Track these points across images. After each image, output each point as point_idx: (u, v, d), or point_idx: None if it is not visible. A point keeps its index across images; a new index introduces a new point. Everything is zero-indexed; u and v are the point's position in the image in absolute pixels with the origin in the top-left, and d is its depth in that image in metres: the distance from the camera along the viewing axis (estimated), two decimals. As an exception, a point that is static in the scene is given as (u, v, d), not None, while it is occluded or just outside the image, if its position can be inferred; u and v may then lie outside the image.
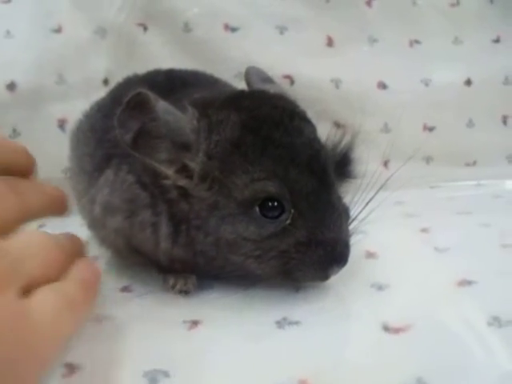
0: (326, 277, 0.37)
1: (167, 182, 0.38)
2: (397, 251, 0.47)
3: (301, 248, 0.36)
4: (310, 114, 0.64)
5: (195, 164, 0.37)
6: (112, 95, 0.51)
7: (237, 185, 0.36)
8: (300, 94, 0.68)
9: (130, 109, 0.36)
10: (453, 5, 0.78)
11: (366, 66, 0.74)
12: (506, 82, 0.78)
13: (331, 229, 0.36)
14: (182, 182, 0.38)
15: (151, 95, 0.36)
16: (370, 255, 0.46)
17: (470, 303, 0.38)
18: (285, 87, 0.67)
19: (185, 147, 0.37)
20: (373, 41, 0.76)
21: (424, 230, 0.51)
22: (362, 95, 0.72)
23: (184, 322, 0.37)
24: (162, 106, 0.36)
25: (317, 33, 0.74)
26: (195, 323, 0.37)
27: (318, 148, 0.38)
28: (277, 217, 0.36)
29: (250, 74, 0.47)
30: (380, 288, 0.40)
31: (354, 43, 0.75)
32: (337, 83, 0.73)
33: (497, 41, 0.79)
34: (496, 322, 0.35)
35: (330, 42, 0.74)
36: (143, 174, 0.40)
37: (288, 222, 0.36)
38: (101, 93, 0.55)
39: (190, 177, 0.37)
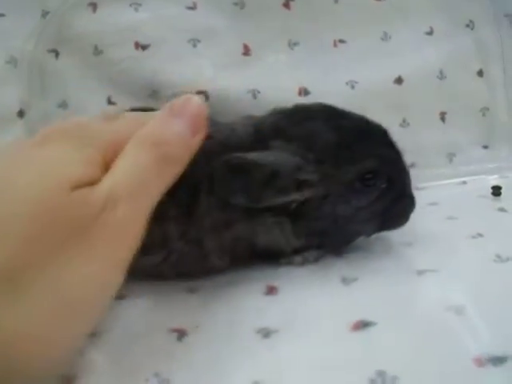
0: (408, 218, 0.48)
1: (292, 205, 0.44)
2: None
3: (393, 203, 0.46)
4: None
5: (312, 174, 0.44)
6: None
7: (344, 172, 0.44)
8: (216, 109, 0.66)
9: (227, 173, 0.41)
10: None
11: (286, 73, 0.70)
12: (442, 76, 0.74)
13: (409, 184, 0.48)
14: (307, 194, 0.44)
15: (240, 155, 0.41)
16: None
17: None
18: None
19: (297, 169, 0.43)
20: (293, 44, 0.72)
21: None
22: (281, 104, 0.68)
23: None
24: (255, 155, 0.42)
25: (232, 42, 0.70)
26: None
27: (384, 127, 0.48)
28: (374, 184, 0.45)
29: None
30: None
31: (273, 49, 0.71)
32: (254, 93, 0.69)
33: (430, 33, 0.74)
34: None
35: (246, 51, 0.71)
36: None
37: (384, 185, 0.46)
38: (16, 126, 0.53)
39: (309, 187, 0.44)
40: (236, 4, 0.71)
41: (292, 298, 0.45)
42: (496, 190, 0.67)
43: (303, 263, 0.49)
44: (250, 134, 0.46)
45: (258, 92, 0.70)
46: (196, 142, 0.36)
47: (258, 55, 0.71)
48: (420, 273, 0.47)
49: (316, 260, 0.49)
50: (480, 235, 0.54)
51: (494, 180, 0.71)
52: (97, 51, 0.69)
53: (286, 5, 0.72)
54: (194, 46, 0.70)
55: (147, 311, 0.44)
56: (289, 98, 0.68)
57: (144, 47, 0.70)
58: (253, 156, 0.42)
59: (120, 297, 0.45)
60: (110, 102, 0.70)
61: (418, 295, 0.42)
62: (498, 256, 0.48)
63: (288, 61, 0.71)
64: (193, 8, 0.71)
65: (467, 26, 0.75)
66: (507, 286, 0.44)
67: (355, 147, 0.45)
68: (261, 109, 0.68)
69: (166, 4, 0.70)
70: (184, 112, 0.36)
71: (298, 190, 0.44)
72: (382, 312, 0.40)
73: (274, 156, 0.43)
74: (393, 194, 0.47)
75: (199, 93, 0.70)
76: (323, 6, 0.72)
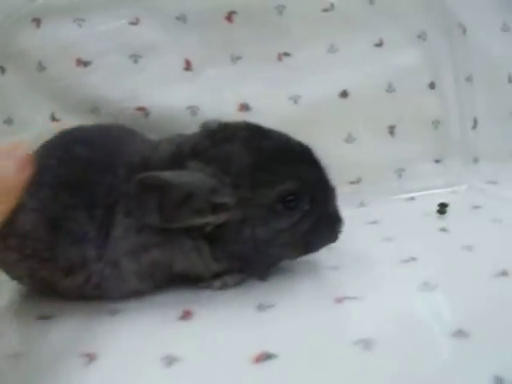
0: (337, 237, 0.47)
1: (206, 228, 0.44)
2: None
3: (318, 224, 0.45)
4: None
5: (228, 198, 0.43)
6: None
7: (263, 194, 0.43)
8: (155, 125, 0.66)
9: (142, 193, 0.41)
10: (326, 9, 0.71)
11: (227, 88, 0.69)
12: (390, 89, 0.72)
13: (333, 201, 0.47)
14: (223, 218, 0.44)
15: (153, 173, 0.41)
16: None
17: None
18: (140, 119, 0.65)
19: (212, 192, 0.42)
20: (236, 58, 0.71)
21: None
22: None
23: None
24: (169, 174, 0.42)
25: (174, 57, 0.70)
26: None
27: (307, 145, 0.47)
28: (295, 206, 0.44)
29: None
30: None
31: (215, 64, 0.70)
32: (193, 110, 0.69)
33: (379, 44, 0.72)
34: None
35: (188, 66, 0.70)
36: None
37: (306, 207, 0.45)
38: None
39: (225, 211, 0.43)
40: (178, 18, 0.70)
41: (204, 324, 0.44)
42: (442, 208, 0.66)
43: (222, 287, 0.48)
44: (171, 153, 0.46)
45: (198, 109, 0.69)
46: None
47: (200, 70, 0.70)
48: (338, 300, 0.46)
49: (236, 284, 0.49)
50: (413, 259, 0.52)
51: (443, 196, 0.68)
52: (40, 67, 0.70)
53: (229, 18, 0.70)
54: (135, 61, 0.70)
55: (65, 333, 0.44)
56: (229, 114, 0.68)
57: (86, 63, 0.70)
58: (166, 175, 0.42)
59: (44, 317, 0.47)
60: (53, 119, 0.71)
61: (329, 326, 0.41)
62: (426, 283, 0.46)
63: (230, 76, 0.70)
64: (135, 23, 0.70)
65: (419, 36, 0.73)
66: (427, 320, 0.42)
67: (274, 169, 0.44)
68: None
69: (109, 19, 0.69)
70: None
71: (213, 212, 0.43)
72: (287, 344, 0.40)
73: (189, 177, 0.43)
74: (316, 215, 0.46)
75: (139, 109, 0.69)
76: (267, 19, 0.70)
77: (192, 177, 0.43)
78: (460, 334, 0.37)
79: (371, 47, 0.71)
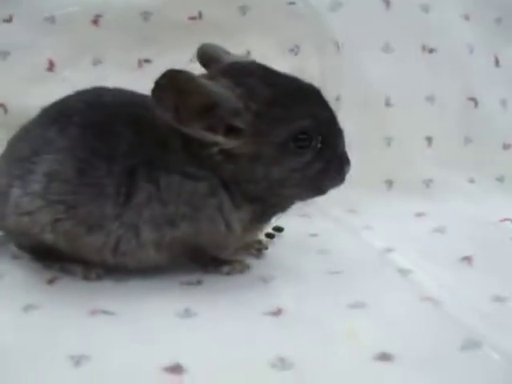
0: (344, 178, 0.46)
1: (212, 150, 0.43)
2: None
3: (328, 163, 0.45)
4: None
5: (245, 124, 0.43)
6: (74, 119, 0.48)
7: (278, 131, 0.43)
8: (13, 124, 0.66)
9: (165, 87, 0.40)
10: (193, 18, 0.70)
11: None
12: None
13: (342, 143, 0.46)
14: (231, 144, 0.43)
15: (183, 70, 0.40)
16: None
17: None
18: None
19: (233, 112, 0.42)
20: (97, 62, 0.71)
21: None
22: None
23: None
24: (199, 78, 0.42)
25: (39, 57, 0.70)
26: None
27: (317, 87, 0.46)
28: (308, 146, 0.43)
29: (210, 49, 0.51)
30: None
31: (76, 66, 0.70)
32: (47, 110, 0.69)
33: (247, 56, 0.70)
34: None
35: (50, 66, 0.71)
36: (183, 166, 0.44)
37: (319, 146, 0.44)
38: None
39: (237, 138, 0.43)
40: (47, 19, 0.71)
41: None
42: (273, 232, 0.62)
43: (229, 272, 0.49)
44: None
45: (52, 108, 0.69)
46: None
47: (60, 71, 0.70)
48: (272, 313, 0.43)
49: (242, 271, 0.50)
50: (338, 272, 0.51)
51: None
52: None
53: (95, 21, 0.70)
54: (4, 58, 0.71)
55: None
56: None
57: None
58: (198, 78, 0.41)
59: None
60: None
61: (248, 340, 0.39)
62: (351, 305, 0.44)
63: (88, 78, 0.69)
64: (9, 21, 0.71)
65: (291, 50, 0.70)
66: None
67: (290, 106, 0.44)
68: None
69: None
70: None
71: (225, 135, 0.43)
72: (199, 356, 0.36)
73: (219, 89, 0.42)
74: (327, 155, 0.45)
75: (-1, 106, 0.70)
76: (132, 24, 0.70)
77: (222, 90, 0.42)
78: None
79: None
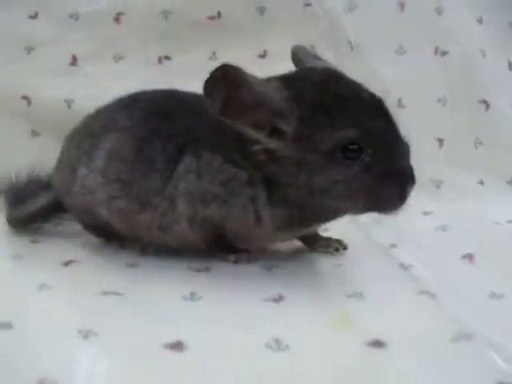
0: (404, 199, 0.43)
1: (257, 148, 0.44)
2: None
3: (381, 180, 0.42)
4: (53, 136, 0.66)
5: (289, 127, 0.43)
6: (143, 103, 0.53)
7: (322, 138, 0.42)
8: (36, 115, 0.70)
9: (217, 79, 0.42)
10: (212, 17, 0.73)
11: (104, 86, 0.72)
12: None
13: (401, 158, 0.43)
14: (274, 145, 0.44)
15: (237, 67, 0.42)
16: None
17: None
18: (22, 108, 0.69)
19: (277, 113, 0.43)
20: (118, 58, 0.73)
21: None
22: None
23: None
24: (251, 76, 0.43)
25: (62, 52, 0.73)
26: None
27: (379, 97, 0.45)
28: (357, 157, 0.42)
29: (300, 52, 0.52)
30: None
31: (98, 61, 0.73)
32: (69, 103, 0.72)
33: (263, 56, 0.73)
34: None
35: (73, 61, 0.74)
36: (229, 152, 0.46)
37: (367, 159, 0.42)
38: None
39: (279, 139, 0.44)
40: (71, 16, 0.74)
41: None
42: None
43: (236, 261, 0.50)
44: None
45: (73, 102, 0.72)
46: None
47: (83, 66, 0.73)
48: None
49: (249, 261, 0.50)
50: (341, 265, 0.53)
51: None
52: None
53: (117, 19, 0.73)
54: (29, 52, 0.74)
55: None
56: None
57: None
58: (249, 75, 0.43)
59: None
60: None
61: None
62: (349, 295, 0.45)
63: (109, 74, 0.72)
64: (34, 17, 0.74)
65: (307, 50, 0.72)
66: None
67: (335, 114, 0.43)
68: (74, 118, 0.71)
69: (8, 12, 0.74)
70: None
71: (269, 135, 0.44)
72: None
73: (266, 88, 0.44)
74: (379, 170, 0.42)
75: (23, 98, 0.74)
76: (153, 22, 0.72)
77: (268, 89, 0.43)
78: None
79: (254, 57, 0.71)
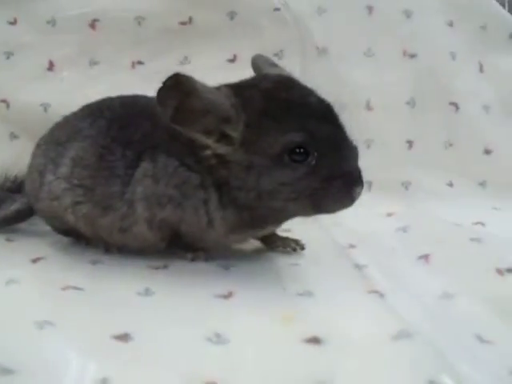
0: (352, 200, 0.45)
1: (207, 153, 0.46)
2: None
3: (327, 182, 0.44)
4: (30, 139, 0.67)
5: (236, 133, 0.45)
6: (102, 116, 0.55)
7: (270, 143, 0.44)
8: (14, 119, 0.72)
9: (169, 88, 0.43)
10: (183, 23, 0.74)
11: (79, 90, 0.74)
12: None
13: (348, 161, 0.45)
14: (223, 150, 0.46)
15: (188, 76, 0.44)
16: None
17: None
18: (1, 111, 0.71)
19: (225, 119, 0.45)
20: (93, 63, 0.75)
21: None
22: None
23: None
24: (201, 84, 0.44)
25: (40, 57, 0.75)
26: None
27: (328, 102, 0.46)
28: (304, 160, 0.43)
29: (259, 60, 0.54)
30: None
31: (74, 66, 0.75)
32: (45, 107, 0.74)
33: (232, 60, 0.74)
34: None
35: (50, 66, 0.76)
36: (184, 156, 0.48)
37: (313, 162, 0.44)
38: None
39: (228, 144, 0.45)
40: (49, 22, 0.76)
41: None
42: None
43: (193, 259, 0.52)
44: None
45: (49, 106, 0.74)
46: None
47: (59, 71, 0.75)
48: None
49: (206, 259, 0.52)
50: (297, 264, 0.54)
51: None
52: None
53: (92, 25, 0.75)
54: (8, 58, 0.76)
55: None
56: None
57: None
58: (199, 84, 0.44)
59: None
60: None
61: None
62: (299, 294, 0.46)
63: (84, 79, 0.74)
64: (13, 23, 0.76)
65: (275, 55, 0.74)
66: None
67: (282, 119, 0.45)
68: (50, 122, 0.73)
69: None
70: None
71: (218, 141, 0.46)
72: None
73: (214, 95, 0.45)
74: (325, 173, 0.44)
75: (2, 101, 0.76)
76: (125, 28, 0.74)
77: (216, 97, 0.45)
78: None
79: (223, 62, 0.73)
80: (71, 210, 0.53)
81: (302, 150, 0.44)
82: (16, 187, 0.67)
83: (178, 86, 0.43)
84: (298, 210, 0.46)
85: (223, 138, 0.46)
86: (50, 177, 0.54)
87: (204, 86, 0.45)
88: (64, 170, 0.53)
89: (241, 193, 0.46)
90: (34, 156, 0.58)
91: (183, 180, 0.48)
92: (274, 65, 0.54)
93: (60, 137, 0.55)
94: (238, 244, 0.55)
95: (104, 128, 0.53)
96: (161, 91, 0.44)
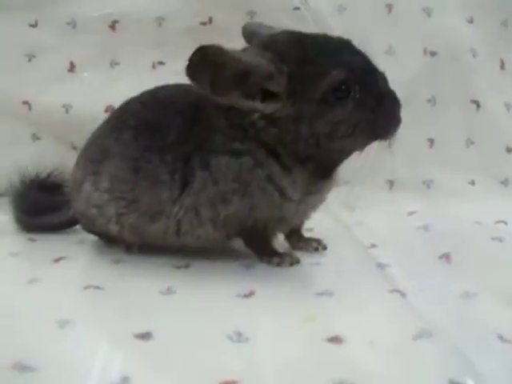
0: (399, 119, 0.47)
1: (254, 117, 0.46)
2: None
3: (376, 109, 0.45)
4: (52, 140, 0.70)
5: (281, 87, 0.45)
6: (135, 118, 0.53)
7: (314, 87, 0.44)
8: (36, 120, 0.73)
9: (198, 63, 0.43)
10: (204, 23, 0.75)
11: (99, 91, 0.74)
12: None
13: (385, 85, 0.46)
14: (271, 108, 0.45)
15: (214, 45, 0.43)
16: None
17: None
18: (23, 112, 0.72)
19: (268, 76, 0.45)
20: (114, 64, 0.76)
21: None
22: (90, 120, 0.72)
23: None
24: (230, 50, 0.44)
25: (61, 59, 0.76)
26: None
27: (347, 39, 0.48)
28: (347, 96, 0.44)
29: (252, 27, 0.53)
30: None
31: (95, 67, 0.75)
32: (67, 108, 0.75)
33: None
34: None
35: (71, 68, 0.76)
36: (229, 143, 0.47)
37: (357, 95, 0.45)
38: None
39: (274, 102, 0.45)
40: (69, 24, 0.76)
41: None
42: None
43: (279, 264, 0.51)
44: None
45: (71, 107, 0.75)
46: None
47: (80, 72, 0.76)
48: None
49: (293, 264, 0.51)
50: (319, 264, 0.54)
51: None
52: None
53: (112, 26, 0.76)
54: (29, 60, 0.77)
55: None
56: (97, 115, 0.73)
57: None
58: (228, 50, 0.43)
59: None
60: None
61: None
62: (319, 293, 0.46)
63: (106, 79, 0.75)
64: (34, 25, 0.77)
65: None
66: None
67: (319, 61, 0.45)
68: (72, 123, 0.74)
69: (10, 21, 0.77)
70: None
71: (262, 101, 0.45)
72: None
73: (250, 56, 0.45)
74: (371, 102, 0.45)
75: (24, 103, 0.77)
76: (145, 29, 0.74)
77: (252, 57, 0.44)
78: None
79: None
80: (115, 220, 0.52)
81: (343, 87, 0.44)
82: (49, 186, 0.65)
83: (206, 59, 0.42)
84: (357, 144, 0.47)
85: (268, 96, 0.45)
86: (88, 187, 0.53)
87: (234, 51, 0.44)
88: (105, 184, 0.52)
89: (299, 145, 0.46)
90: (75, 170, 0.57)
91: (237, 170, 0.47)
92: (271, 27, 0.52)
93: (92, 154, 0.54)
94: (314, 209, 0.54)
95: (130, 140, 0.51)
96: (190, 67, 0.43)
